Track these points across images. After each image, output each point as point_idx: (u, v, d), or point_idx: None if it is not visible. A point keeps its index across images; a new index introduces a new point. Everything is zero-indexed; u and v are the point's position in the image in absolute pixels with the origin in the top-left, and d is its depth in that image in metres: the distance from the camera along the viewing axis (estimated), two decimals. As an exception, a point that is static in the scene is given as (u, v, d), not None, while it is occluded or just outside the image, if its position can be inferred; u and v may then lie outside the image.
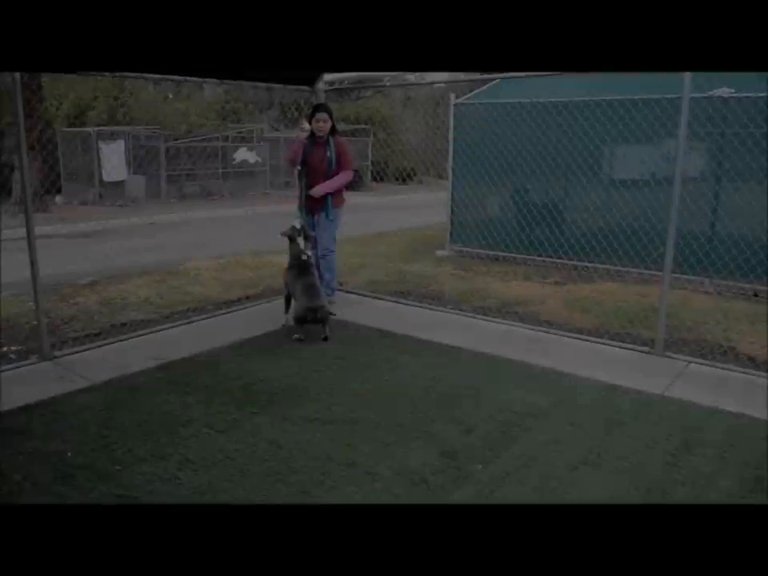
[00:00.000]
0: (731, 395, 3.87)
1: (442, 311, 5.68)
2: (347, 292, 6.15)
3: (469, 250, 8.50)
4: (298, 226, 5.05)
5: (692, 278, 6.81)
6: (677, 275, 6.53)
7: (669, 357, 4.54)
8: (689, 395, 3.86)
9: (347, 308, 5.45)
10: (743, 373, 4.30)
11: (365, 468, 2.94)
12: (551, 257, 7.72)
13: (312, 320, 4.67)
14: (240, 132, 20.83)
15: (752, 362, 4.51)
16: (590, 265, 7.35)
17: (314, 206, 5.42)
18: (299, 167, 5.37)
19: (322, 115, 5.26)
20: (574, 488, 2.82)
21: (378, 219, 8.88)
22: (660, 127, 6.67)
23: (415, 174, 23.70)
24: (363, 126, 22.64)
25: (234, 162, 19.75)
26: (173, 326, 5.09)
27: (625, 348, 4.71)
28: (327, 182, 5.34)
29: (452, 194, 8.65)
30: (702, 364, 4.43)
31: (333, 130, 5.38)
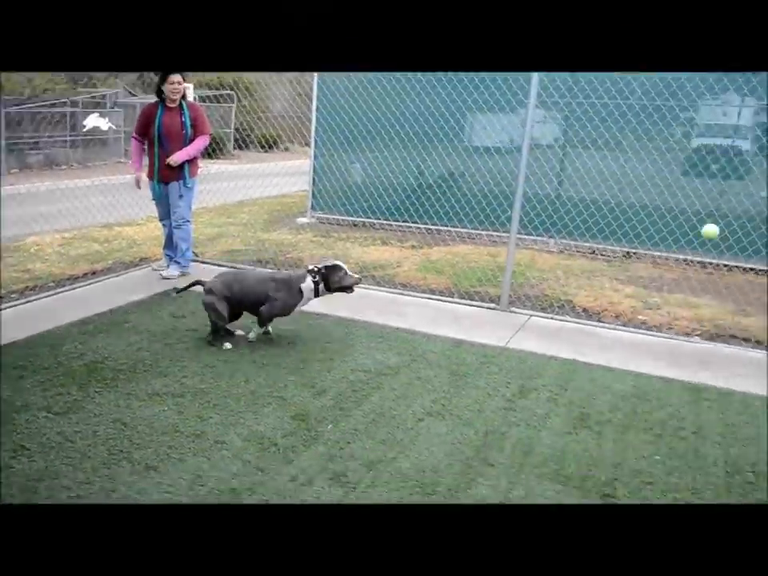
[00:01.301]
0: (565, 343, 4.23)
1: (302, 278, 5.66)
2: (203, 262, 5.95)
3: (330, 216, 8.54)
4: None
5: (538, 238, 7.30)
6: (523, 236, 6.98)
7: (513, 312, 4.85)
8: (528, 346, 4.16)
9: (205, 277, 5.28)
10: (576, 323, 4.70)
11: (214, 437, 2.91)
12: (407, 221, 7.96)
13: None
14: (93, 97, 19.30)
15: (585, 313, 4.94)
16: (444, 229, 7.63)
17: (170, 175, 5.18)
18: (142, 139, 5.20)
19: (176, 76, 4.98)
20: (420, 438, 2.96)
21: (239, 188, 8.62)
22: (512, 97, 6.99)
23: (283, 142, 23.22)
24: (227, 92, 21.77)
25: (84, 129, 18.29)
26: (6, 307, 4.69)
27: (473, 305, 4.98)
28: (185, 149, 5.12)
29: (314, 162, 8.62)
30: (541, 317, 4.78)
31: (183, 95, 5.16)
